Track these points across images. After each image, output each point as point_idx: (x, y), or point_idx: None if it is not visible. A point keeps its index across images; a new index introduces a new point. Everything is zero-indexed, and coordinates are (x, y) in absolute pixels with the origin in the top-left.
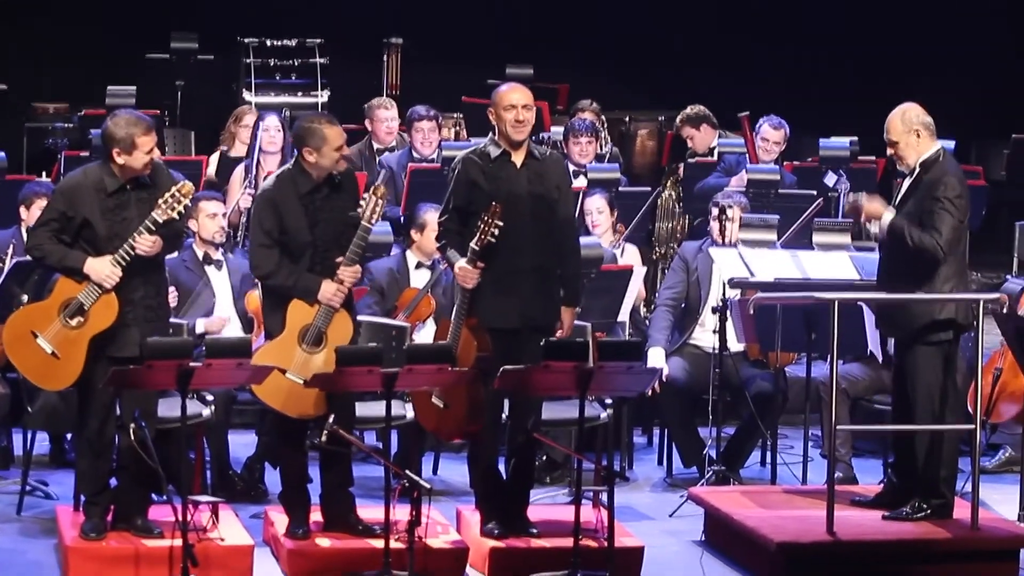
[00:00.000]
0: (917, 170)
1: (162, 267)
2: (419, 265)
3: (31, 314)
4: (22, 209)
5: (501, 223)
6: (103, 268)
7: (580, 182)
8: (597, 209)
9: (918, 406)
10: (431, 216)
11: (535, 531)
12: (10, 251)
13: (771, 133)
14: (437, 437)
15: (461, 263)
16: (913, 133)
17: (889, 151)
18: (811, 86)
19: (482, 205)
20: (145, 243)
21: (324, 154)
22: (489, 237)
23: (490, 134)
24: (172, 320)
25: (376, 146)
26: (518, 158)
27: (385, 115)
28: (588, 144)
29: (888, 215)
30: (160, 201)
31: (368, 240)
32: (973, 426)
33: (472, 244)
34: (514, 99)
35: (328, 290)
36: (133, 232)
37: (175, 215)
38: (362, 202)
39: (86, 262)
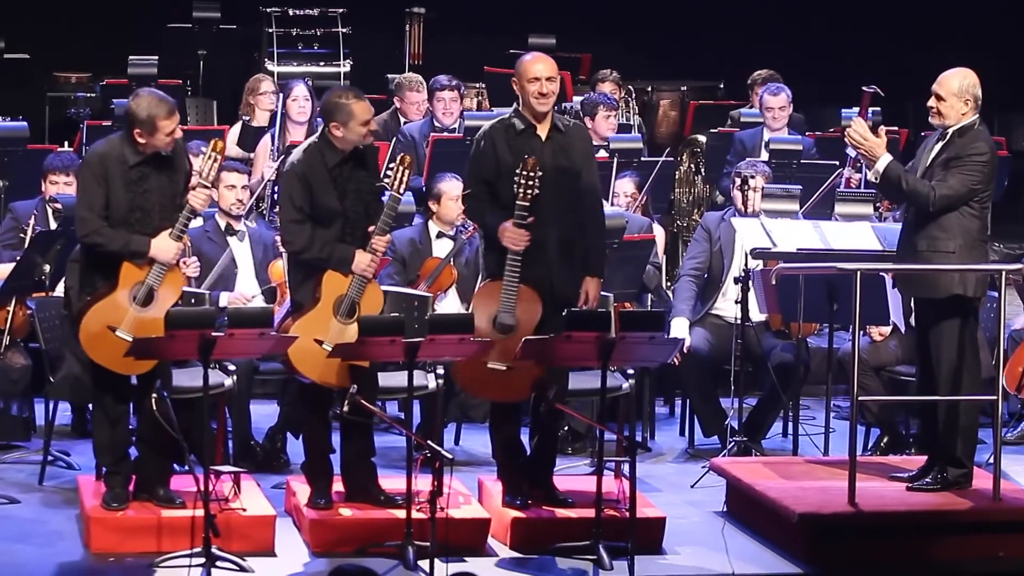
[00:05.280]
0: (949, 135)
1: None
2: (440, 235)
3: (102, 310)
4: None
5: (540, 172)
6: (169, 248)
7: (601, 155)
8: (624, 192)
9: (940, 377)
10: (447, 186)
11: (571, 501)
12: (32, 221)
13: (772, 100)
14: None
15: (507, 226)
16: (963, 101)
17: (931, 103)
18: (834, 56)
19: (508, 178)
20: (200, 197)
21: (351, 129)
22: (535, 190)
23: (514, 104)
24: (195, 290)
25: (403, 119)
26: (543, 130)
27: (416, 98)
28: (613, 118)
29: (886, 158)
30: (204, 158)
31: (398, 209)
32: (995, 397)
33: (518, 201)
34: (537, 71)
35: (363, 261)
36: (152, 205)
37: (216, 166)
38: (388, 172)
39: (151, 245)
